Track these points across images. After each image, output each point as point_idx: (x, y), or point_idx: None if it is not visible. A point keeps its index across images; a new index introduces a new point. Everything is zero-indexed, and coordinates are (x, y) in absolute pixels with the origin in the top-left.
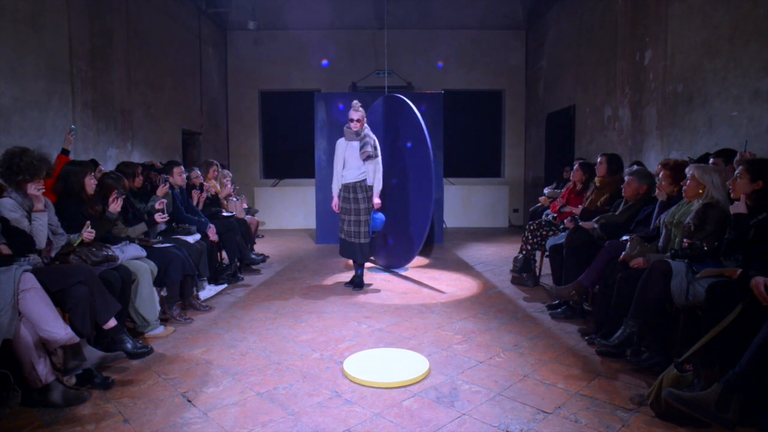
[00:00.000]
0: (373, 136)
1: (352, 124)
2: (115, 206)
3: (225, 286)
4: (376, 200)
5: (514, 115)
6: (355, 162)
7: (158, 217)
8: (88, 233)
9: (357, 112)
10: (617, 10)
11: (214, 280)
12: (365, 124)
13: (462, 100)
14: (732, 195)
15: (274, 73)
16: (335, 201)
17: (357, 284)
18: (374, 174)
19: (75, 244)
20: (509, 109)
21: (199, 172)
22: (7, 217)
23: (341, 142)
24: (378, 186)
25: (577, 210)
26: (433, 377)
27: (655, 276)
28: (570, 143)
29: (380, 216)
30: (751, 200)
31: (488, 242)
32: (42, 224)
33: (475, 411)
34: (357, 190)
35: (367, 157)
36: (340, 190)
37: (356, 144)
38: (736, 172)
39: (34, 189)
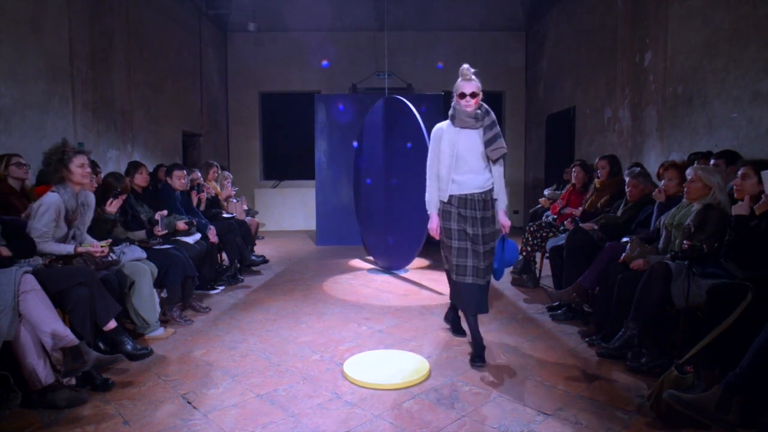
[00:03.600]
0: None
1: (463, 102)
2: (111, 207)
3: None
4: (505, 220)
5: (514, 116)
6: (477, 162)
7: (156, 229)
8: (98, 250)
9: (471, 82)
10: (617, 12)
11: (213, 281)
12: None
13: None
14: (736, 195)
15: (275, 75)
16: (435, 222)
17: (479, 351)
18: (499, 179)
19: (80, 247)
20: (509, 110)
21: (199, 173)
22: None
23: (444, 130)
24: (504, 199)
25: (578, 211)
26: (434, 379)
27: (655, 278)
28: (570, 145)
29: (512, 243)
30: (754, 201)
31: None
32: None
33: (476, 413)
34: (482, 205)
35: (501, 156)
36: (446, 203)
37: (476, 133)
38: (741, 171)
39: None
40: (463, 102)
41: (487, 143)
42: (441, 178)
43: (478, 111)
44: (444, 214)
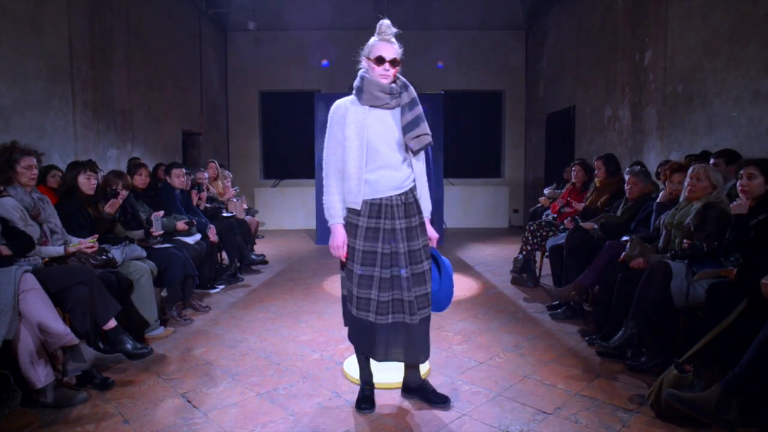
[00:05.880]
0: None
1: (380, 69)
2: (109, 208)
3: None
4: (433, 232)
5: (514, 115)
6: (393, 153)
7: (151, 230)
8: (87, 246)
9: (391, 44)
10: (617, 11)
11: (213, 280)
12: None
13: (462, 101)
14: (741, 195)
15: (275, 74)
16: (341, 237)
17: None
18: (422, 177)
19: (70, 247)
20: (509, 109)
21: (206, 174)
22: (7, 217)
23: (347, 109)
24: (428, 205)
25: (580, 206)
26: (433, 378)
27: (655, 277)
28: (570, 144)
29: (448, 268)
30: (754, 201)
31: (488, 243)
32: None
33: (475, 411)
34: (403, 211)
35: (423, 147)
36: (352, 213)
37: (390, 115)
38: (747, 171)
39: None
40: (379, 70)
41: (406, 128)
42: (349, 177)
43: (394, 85)
44: (349, 227)
